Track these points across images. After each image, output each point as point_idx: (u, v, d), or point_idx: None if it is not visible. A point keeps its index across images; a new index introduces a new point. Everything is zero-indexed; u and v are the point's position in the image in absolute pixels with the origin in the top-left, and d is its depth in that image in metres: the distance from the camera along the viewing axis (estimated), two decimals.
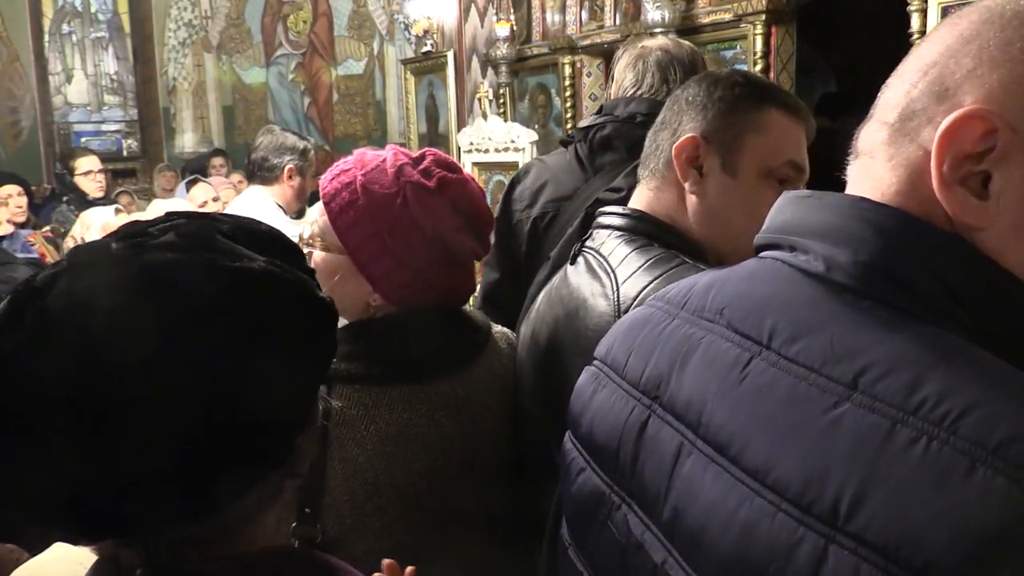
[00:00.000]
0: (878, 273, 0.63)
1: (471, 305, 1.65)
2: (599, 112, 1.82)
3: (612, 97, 1.85)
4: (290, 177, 3.05)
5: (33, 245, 3.42)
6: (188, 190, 4.18)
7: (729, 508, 0.63)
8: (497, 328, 1.40)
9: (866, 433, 0.56)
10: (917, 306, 0.61)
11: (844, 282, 0.64)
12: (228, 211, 3.30)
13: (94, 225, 3.10)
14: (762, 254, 0.76)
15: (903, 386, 0.56)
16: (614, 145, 1.73)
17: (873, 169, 0.66)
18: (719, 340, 0.72)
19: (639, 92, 1.78)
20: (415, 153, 1.28)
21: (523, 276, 1.80)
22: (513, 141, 4.06)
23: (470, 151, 4.39)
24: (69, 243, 3.14)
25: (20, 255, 3.32)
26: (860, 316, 0.62)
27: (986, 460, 0.50)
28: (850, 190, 0.69)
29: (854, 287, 0.64)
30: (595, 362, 0.90)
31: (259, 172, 3.06)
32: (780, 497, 0.59)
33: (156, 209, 3.19)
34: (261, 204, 3.01)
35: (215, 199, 4.26)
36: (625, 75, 1.83)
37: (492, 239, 1.44)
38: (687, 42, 1.93)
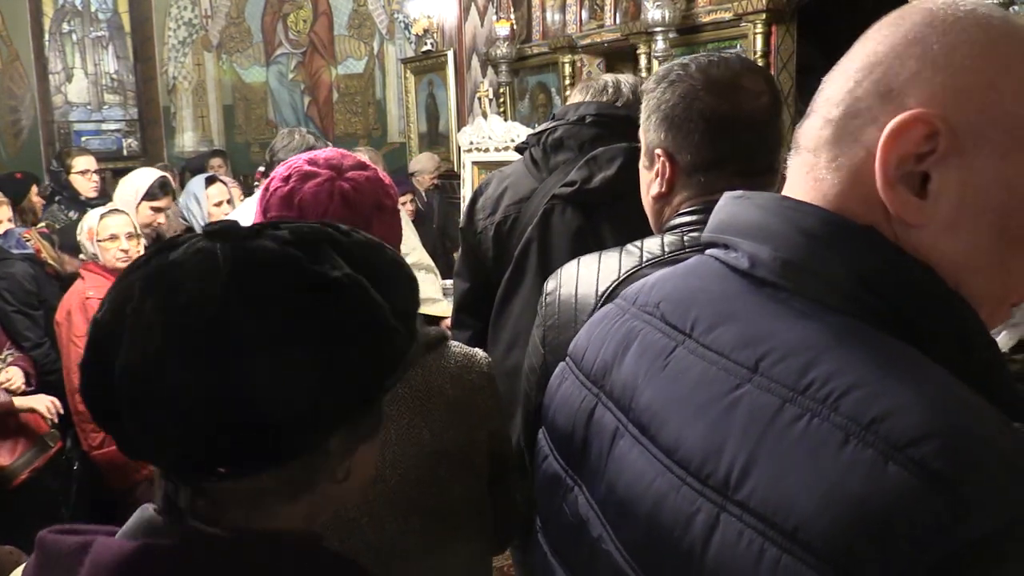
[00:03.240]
0: (796, 267, 0.66)
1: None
2: (551, 119, 1.92)
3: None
4: None
5: (28, 241, 3.41)
6: (207, 187, 4.17)
7: (646, 483, 0.69)
8: (475, 355, 1.34)
9: (758, 411, 0.60)
10: (832, 297, 0.64)
11: (765, 277, 0.68)
12: (244, 208, 3.29)
13: (83, 228, 3.09)
14: (706, 252, 0.80)
15: (796, 369, 0.60)
16: (566, 144, 1.83)
17: (816, 169, 0.68)
18: (652, 331, 0.77)
19: (586, 99, 1.91)
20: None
21: (493, 281, 1.85)
22: (513, 140, 4.06)
23: (470, 150, 4.39)
24: (83, 239, 3.12)
25: (15, 251, 3.31)
26: (775, 307, 0.66)
27: (858, 434, 0.54)
28: (790, 187, 0.72)
29: (774, 281, 0.67)
30: (567, 358, 0.94)
31: None
32: (685, 471, 0.64)
33: (242, 210, 3.18)
34: None
35: (228, 201, 4.24)
36: (574, 95, 1.99)
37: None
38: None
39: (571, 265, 1.35)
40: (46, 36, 7.70)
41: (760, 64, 3.04)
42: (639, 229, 1.82)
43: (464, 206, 2.09)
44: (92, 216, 3.11)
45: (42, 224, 3.87)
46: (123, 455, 0.78)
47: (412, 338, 0.81)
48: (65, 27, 7.92)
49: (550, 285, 1.36)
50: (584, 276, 1.30)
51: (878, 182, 0.63)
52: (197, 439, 0.70)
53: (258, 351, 0.70)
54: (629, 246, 1.31)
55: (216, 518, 0.75)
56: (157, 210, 3.50)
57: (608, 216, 1.75)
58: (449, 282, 3.10)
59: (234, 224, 0.78)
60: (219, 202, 4.19)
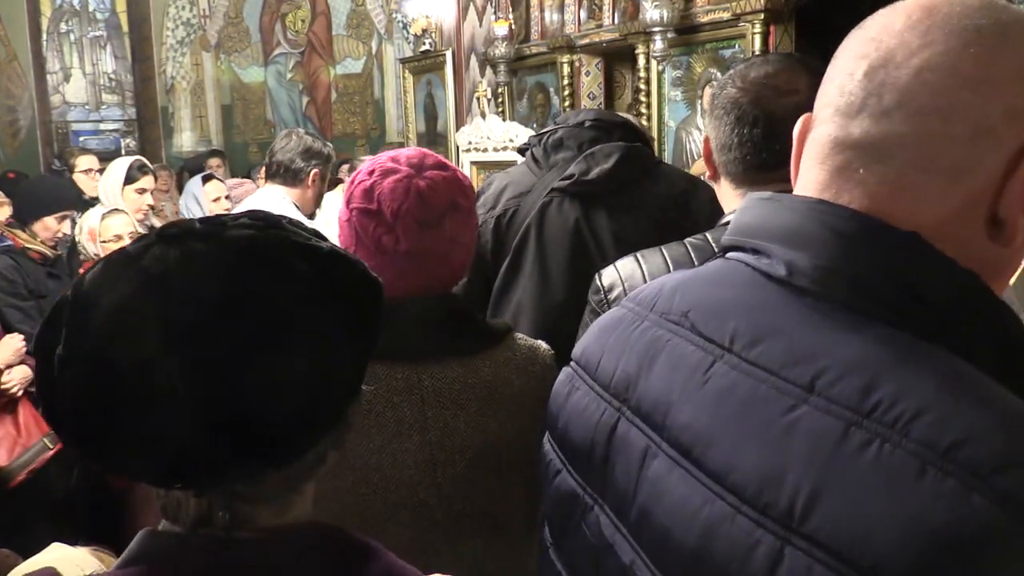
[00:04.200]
0: (837, 276, 0.63)
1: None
2: (552, 123, 2.02)
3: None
4: (313, 182, 3.12)
5: (3, 234, 3.41)
6: (204, 184, 4.17)
7: (692, 509, 0.64)
8: (539, 347, 1.40)
9: (821, 435, 0.56)
10: (876, 308, 0.61)
11: (805, 286, 0.65)
12: (244, 206, 3.30)
13: (84, 228, 3.10)
14: (728, 255, 0.76)
15: (858, 389, 0.57)
16: (566, 144, 1.90)
17: (850, 171, 0.65)
18: (684, 343, 0.72)
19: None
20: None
21: (490, 275, 1.91)
22: (512, 140, 4.06)
23: (469, 150, 4.39)
24: (83, 239, 3.12)
25: None
26: (820, 319, 0.63)
27: (936, 463, 0.51)
28: (810, 188, 0.69)
29: (815, 291, 0.64)
30: (571, 363, 0.90)
31: (283, 174, 3.11)
32: (739, 499, 0.60)
33: (243, 207, 3.20)
34: (278, 203, 3.05)
35: (227, 196, 4.25)
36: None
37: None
38: None
39: (626, 261, 1.38)
40: (44, 36, 7.70)
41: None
42: (635, 222, 1.84)
43: None
44: (92, 216, 3.11)
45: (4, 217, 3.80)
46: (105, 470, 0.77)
47: (376, 342, 0.83)
48: (63, 27, 7.91)
49: (607, 281, 1.38)
50: (651, 267, 1.32)
51: (1010, 204, 0.61)
52: (199, 440, 0.70)
53: (258, 352, 0.70)
54: (689, 239, 1.33)
55: (252, 508, 0.76)
56: (142, 191, 3.52)
57: (605, 209, 1.81)
58: None
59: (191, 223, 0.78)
60: (217, 198, 4.20)
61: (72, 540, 1.04)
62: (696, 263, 1.27)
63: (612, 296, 1.36)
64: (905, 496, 0.51)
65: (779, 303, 0.66)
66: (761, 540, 0.57)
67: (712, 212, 1.38)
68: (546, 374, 1.36)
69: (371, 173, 1.33)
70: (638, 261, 1.36)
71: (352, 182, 1.35)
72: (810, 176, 0.70)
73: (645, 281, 1.31)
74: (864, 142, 0.65)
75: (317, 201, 3.22)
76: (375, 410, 1.24)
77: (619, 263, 1.39)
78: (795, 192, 0.71)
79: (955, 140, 0.62)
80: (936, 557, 0.49)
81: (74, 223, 4.06)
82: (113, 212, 3.14)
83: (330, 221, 2.46)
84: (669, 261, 1.32)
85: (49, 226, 3.40)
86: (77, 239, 3.12)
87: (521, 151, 2.07)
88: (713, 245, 1.29)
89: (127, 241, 3.03)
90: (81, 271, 3.11)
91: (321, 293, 0.75)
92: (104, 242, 3.05)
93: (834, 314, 0.63)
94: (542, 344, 1.42)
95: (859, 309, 0.62)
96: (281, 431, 0.72)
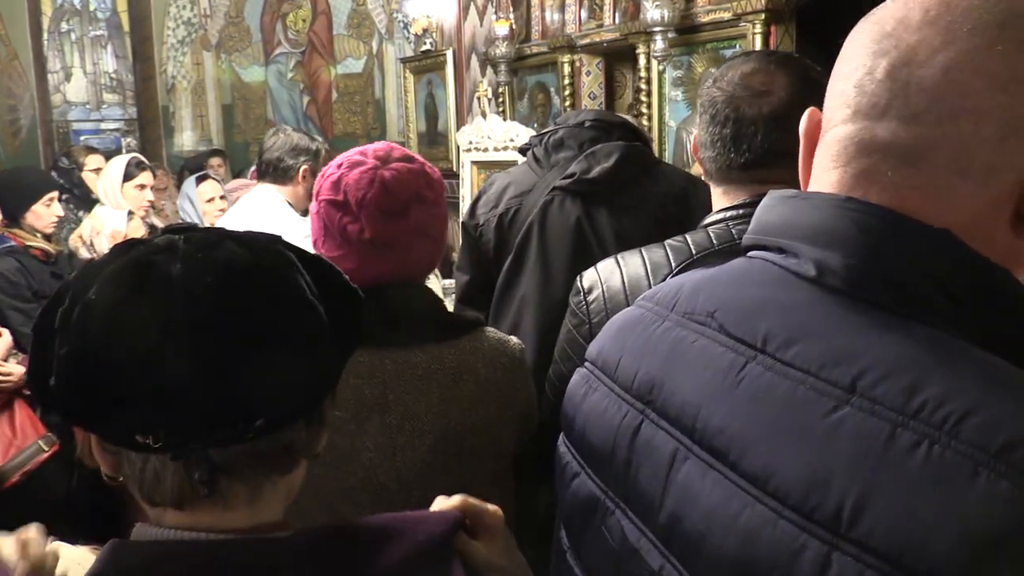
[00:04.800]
0: (869, 275, 0.62)
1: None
2: (553, 123, 2.05)
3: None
4: (304, 178, 3.12)
5: (6, 233, 3.40)
6: (198, 185, 4.18)
7: (730, 515, 0.62)
8: (509, 341, 1.41)
9: (867, 437, 0.55)
10: (910, 306, 0.61)
11: (836, 285, 0.64)
12: (238, 208, 3.30)
13: (104, 231, 3.08)
14: (750, 254, 0.75)
15: (903, 389, 0.56)
16: (567, 144, 1.93)
17: (877, 171, 0.64)
18: (711, 344, 0.71)
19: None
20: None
21: (493, 275, 1.95)
22: (512, 140, 4.06)
23: (469, 150, 4.39)
24: (76, 241, 3.11)
25: None
26: (855, 318, 0.62)
27: (989, 464, 0.50)
28: (829, 184, 0.68)
29: (847, 290, 0.64)
30: (586, 364, 0.89)
31: (273, 172, 3.11)
32: (781, 504, 0.59)
33: (237, 208, 3.21)
34: (271, 202, 3.06)
35: (222, 197, 4.25)
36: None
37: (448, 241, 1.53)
38: None
39: (606, 264, 1.38)
40: (45, 35, 7.69)
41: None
42: (637, 220, 1.86)
43: (463, 206, 2.18)
44: (117, 219, 3.09)
45: None
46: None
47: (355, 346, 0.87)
48: (64, 26, 7.91)
49: (587, 283, 1.39)
50: (629, 270, 1.33)
51: None
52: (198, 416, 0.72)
53: (254, 348, 0.72)
54: (669, 241, 1.34)
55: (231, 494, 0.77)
56: (141, 187, 3.52)
57: (606, 207, 1.84)
58: (448, 282, 3.10)
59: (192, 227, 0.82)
60: (211, 198, 4.20)
61: (71, 540, 1.04)
62: (673, 265, 1.26)
63: (591, 298, 1.37)
64: (959, 498, 0.50)
65: (811, 302, 0.66)
66: (807, 545, 0.56)
67: (709, 212, 1.39)
68: (515, 367, 1.39)
69: (339, 166, 1.37)
70: (618, 263, 1.37)
71: (322, 175, 1.39)
72: (830, 178, 0.68)
73: (623, 283, 1.32)
74: (893, 145, 0.64)
75: (309, 197, 3.24)
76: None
77: (600, 265, 1.40)
78: (814, 189, 0.70)
79: (987, 141, 0.61)
80: (994, 560, 0.49)
81: (69, 209, 4.05)
82: (132, 214, 3.17)
83: None
84: (648, 263, 1.32)
85: (40, 214, 3.36)
86: (92, 239, 3.10)
87: (522, 151, 2.10)
88: (692, 248, 1.29)
89: None
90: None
91: (317, 296, 0.78)
92: None
93: (868, 313, 0.62)
94: (513, 339, 1.43)
95: (893, 308, 0.61)
96: (265, 409, 0.74)
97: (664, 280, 1.18)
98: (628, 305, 1.24)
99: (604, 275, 1.37)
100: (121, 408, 0.71)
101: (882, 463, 0.54)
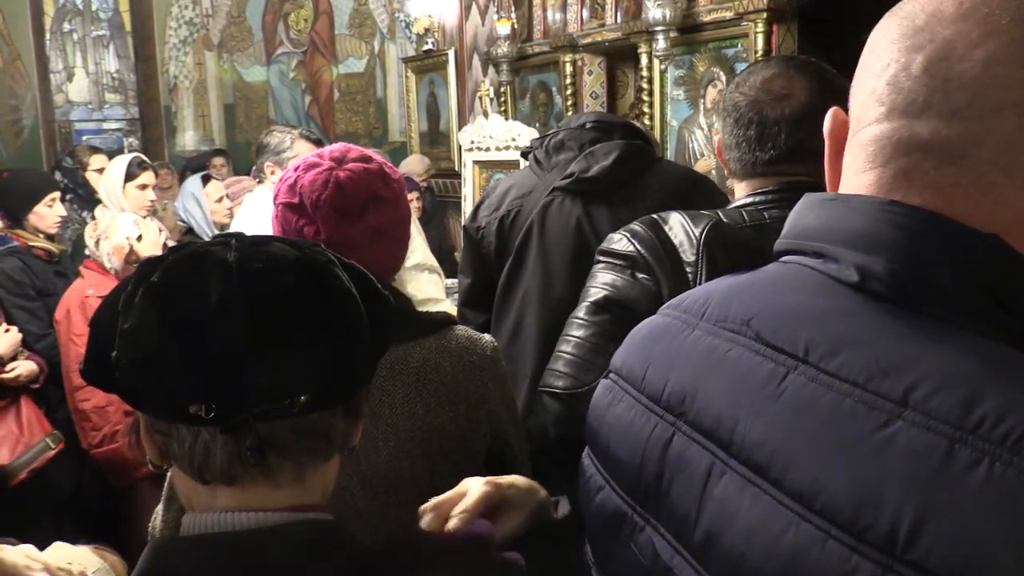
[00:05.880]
0: (915, 281, 0.59)
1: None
2: (555, 126, 2.10)
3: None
4: None
5: (9, 234, 3.41)
6: (204, 185, 4.18)
7: (773, 533, 0.59)
8: (480, 339, 1.40)
9: (923, 453, 0.52)
10: (958, 314, 0.58)
11: (880, 291, 0.61)
12: (242, 211, 3.31)
13: (112, 239, 3.06)
14: (784, 259, 0.72)
15: (959, 403, 0.53)
16: (567, 146, 1.95)
17: (920, 172, 0.62)
18: (748, 353, 0.68)
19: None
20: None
21: (494, 277, 1.96)
22: (514, 139, 4.06)
23: (471, 149, 4.39)
24: (88, 240, 3.11)
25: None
26: (900, 326, 0.59)
27: None
28: (858, 186, 0.65)
29: (891, 296, 0.61)
30: (610, 375, 0.85)
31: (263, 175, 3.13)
32: (830, 523, 0.56)
33: (245, 210, 3.23)
34: (268, 204, 3.06)
35: (228, 196, 4.26)
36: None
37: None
38: None
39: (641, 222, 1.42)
40: (47, 35, 7.70)
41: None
42: (637, 217, 1.87)
43: (465, 205, 2.20)
44: (125, 224, 3.08)
45: None
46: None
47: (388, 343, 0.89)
48: (66, 26, 7.91)
49: (621, 243, 1.39)
50: (675, 228, 1.35)
51: None
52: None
53: (302, 327, 0.76)
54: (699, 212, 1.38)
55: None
56: (143, 187, 3.51)
57: (606, 205, 1.85)
58: (451, 281, 3.10)
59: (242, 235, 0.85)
60: (219, 198, 4.20)
61: (73, 539, 1.04)
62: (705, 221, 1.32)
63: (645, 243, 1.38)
64: (1023, 520, 0.48)
65: (854, 310, 0.62)
66: (859, 567, 0.53)
67: (713, 207, 1.40)
68: (486, 365, 1.37)
69: (296, 169, 1.37)
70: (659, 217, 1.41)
71: (281, 179, 1.39)
72: (867, 179, 0.66)
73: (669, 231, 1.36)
74: (934, 143, 0.61)
75: None
76: None
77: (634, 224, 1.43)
78: (845, 190, 0.68)
79: None
80: None
81: (73, 209, 4.04)
82: (145, 218, 3.20)
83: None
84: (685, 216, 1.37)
85: (42, 214, 3.38)
86: (101, 242, 3.08)
87: (524, 155, 2.11)
88: (723, 216, 1.34)
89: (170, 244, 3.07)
90: (82, 268, 3.11)
91: (360, 297, 0.83)
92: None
93: (915, 321, 0.59)
94: (486, 336, 1.41)
95: (941, 315, 0.59)
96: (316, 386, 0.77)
97: (703, 232, 1.25)
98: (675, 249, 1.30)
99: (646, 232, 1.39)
100: (177, 378, 0.74)
101: (940, 481, 0.51)
